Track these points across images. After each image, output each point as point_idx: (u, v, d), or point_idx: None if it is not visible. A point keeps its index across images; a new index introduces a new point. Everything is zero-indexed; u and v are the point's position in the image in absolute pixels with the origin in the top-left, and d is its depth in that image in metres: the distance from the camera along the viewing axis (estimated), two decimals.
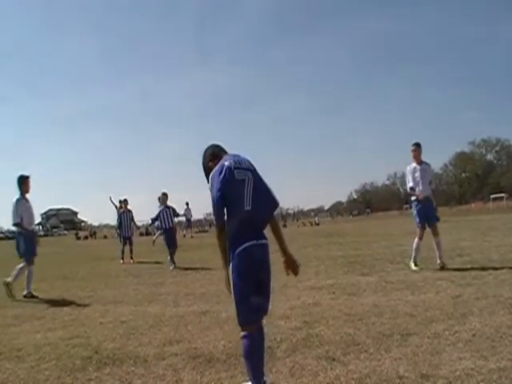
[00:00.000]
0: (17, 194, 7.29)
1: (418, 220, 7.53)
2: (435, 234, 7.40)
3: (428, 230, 7.49)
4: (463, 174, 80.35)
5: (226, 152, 3.02)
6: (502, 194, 55.20)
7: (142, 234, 34.57)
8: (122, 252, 12.86)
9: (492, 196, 55.95)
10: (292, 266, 2.89)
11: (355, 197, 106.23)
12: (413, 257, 7.56)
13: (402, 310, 4.69)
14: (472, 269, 6.97)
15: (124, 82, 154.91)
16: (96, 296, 6.98)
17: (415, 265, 7.45)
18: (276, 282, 7.00)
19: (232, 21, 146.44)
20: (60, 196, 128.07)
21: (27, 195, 7.41)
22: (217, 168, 2.80)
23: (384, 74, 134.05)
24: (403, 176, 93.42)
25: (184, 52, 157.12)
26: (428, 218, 7.47)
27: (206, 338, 4.19)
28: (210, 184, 2.82)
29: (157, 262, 11.76)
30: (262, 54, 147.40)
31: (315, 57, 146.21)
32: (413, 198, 7.63)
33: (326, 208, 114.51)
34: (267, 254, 2.83)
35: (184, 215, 20.82)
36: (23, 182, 7.31)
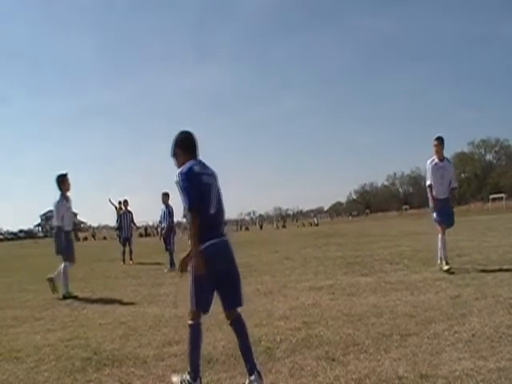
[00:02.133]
0: (57, 195, 7.25)
1: (437, 219, 7.30)
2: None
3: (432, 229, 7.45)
4: (462, 175, 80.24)
5: (196, 151, 3.20)
6: (501, 195, 55.30)
7: (141, 235, 34.52)
8: (123, 253, 12.82)
9: (491, 196, 56.04)
10: None
11: (354, 197, 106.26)
12: (441, 256, 7.15)
13: (402, 311, 4.70)
14: (471, 269, 6.98)
15: (123, 81, 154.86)
16: (95, 297, 6.98)
17: (446, 263, 7.00)
18: (275, 282, 7.07)
19: (232, 19, 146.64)
20: None
21: (68, 193, 7.38)
22: (186, 170, 3.00)
23: (384, 73, 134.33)
24: (402, 176, 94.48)
25: (184, 50, 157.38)
26: (445, 219, 7.27)
27: (206, 339, 4.15)
28: (179, 180, 2.98)
29: (156, 263, 11.76)
30: (262, 53, 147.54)
31: (315, 55, 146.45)
32: (430, 197, 7.42)
33: (326, 209, 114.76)
34: (230, 249, 3.11)
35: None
36: (62, 181, 7.23)
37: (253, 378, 2.96)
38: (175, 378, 3.15)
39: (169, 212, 10.97)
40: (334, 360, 3.41)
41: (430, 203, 7.43)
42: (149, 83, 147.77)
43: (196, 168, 3.03)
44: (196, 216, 2.94)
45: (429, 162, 7.40)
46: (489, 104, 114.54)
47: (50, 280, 7.16)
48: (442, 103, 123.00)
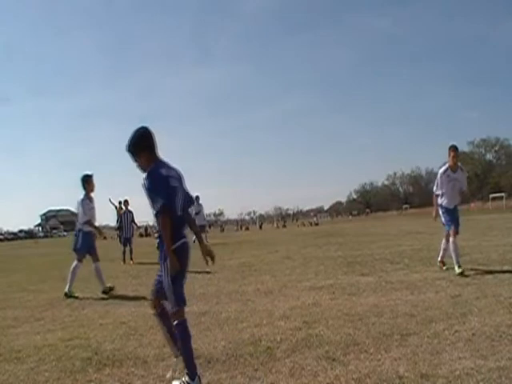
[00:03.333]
0: (81, 194, 7.35)
1: (447, 224, 7.19)
2: (448, 238, 7.18)
3: (444, 232, 7.33)
4: None
5: (157, 148, 3.22)
6: (502, 194, 55.29)
7: (141, 235, 34.50)
8: (123, 253, 12.84)
9: (491, 196, 56.00)
10: (209, 254, 3.40)
11: (355, 197, 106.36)
12: (455, 260, 6.85)
13: (402, 310, 4.70)
14: (471, 268, 6.97)
15: (124, 81, 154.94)
16: (96, 297, 6.98)
17: (459, 267, 6.75)
18: (276, 282, 7.07)
19: (233, 19, 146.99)
20: (59, 197, 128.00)
21: (92, 194, 7.48)
22: (154, 173, 3.09)
23: (385, 73, 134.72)
24: (403, 176, 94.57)
25: (185, 50, 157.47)
26: (455, 223, 7.17)
27: (206, 339, 4.19)
28: (147, 183, 3.07)
29: (156, 263, 11.74)
30: (262, 53, 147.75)
31: (316, 56, 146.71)
32: (435, 206, 7.45)
33: (326, 208, 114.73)
34: (188, 249, 3.30)
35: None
36: (87, 181, 7.32)
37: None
38: (168, 374, 3.25)
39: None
40: (334, 360, 3.41)
41: (434, 211, 7.46)
42: (150, 83, 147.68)
43: (163, 171, 3.11)
44: (167, 218, 3.03)
45: (441, 171, 7.27)
46: (488, 104, 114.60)
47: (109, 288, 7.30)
48: (443, 103, 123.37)
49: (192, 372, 3.05)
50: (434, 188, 7.38)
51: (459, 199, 7.36)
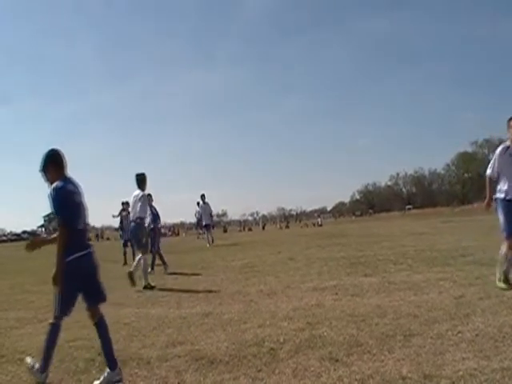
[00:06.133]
0: (137, 191, 7.95)
1: (504, 227, 5.76)
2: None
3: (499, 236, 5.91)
4: (466, 174, 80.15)
5: (65, 168, 3.52)
6: None
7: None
8: (124, 254, 12.90)
9: (494, 196, 55.74)
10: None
11: (358, 197, 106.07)
12: (501, 271, 5.63)
13: (405, 311, 4.69)
14: (475, 269, 6.95)
15: (124, 82, 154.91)
16: None
17: (505, 281, 5.49)
18: (279, 283, 7.06)
19: (232, 22, 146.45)
20: None
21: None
22: (61, 188, 3.34)
23: (385, 73, 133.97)
24: (406, 176, 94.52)
25: (184, 53, 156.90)
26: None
27: (209, 340, 4.19)
28: (54, 195, 3.33)
29: (158, 264, 11.76)
30: (261, 55, 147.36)
31: (315, 58, 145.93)
32: (488, 191, 5.82)
33: (329, 209, 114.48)
34: (94, 259, 3.54)
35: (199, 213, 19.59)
36: (143, 180, 7.94)
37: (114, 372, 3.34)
38: (29, 359, 3.45)
39: (152, 213, 11.10)
40: (337, 360, 3.41)
41: (486, 199, 5.87)
42: (149, 85, 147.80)
43: (69, 187, 3.41)
44: (66, 233, 3.29)
45: (500, 149, 5.55)
46: (490, 103, 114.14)
47: (130, 274, 7.58)
48: (445, 103, 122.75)
49: (45, 367, 3.32)
50: (489, 171, 5.69)
51: None
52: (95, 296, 3.58)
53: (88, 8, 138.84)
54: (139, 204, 7.85)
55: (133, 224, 8.09)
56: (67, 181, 3.45)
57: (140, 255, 7.90)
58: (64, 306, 3.43)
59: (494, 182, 5.72)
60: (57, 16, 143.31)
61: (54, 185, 3.36)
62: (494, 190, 5.73)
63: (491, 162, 5.72)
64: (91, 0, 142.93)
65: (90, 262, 3.51)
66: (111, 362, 3.37)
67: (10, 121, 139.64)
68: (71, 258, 3.32)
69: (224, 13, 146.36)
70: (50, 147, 3.57)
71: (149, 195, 11.60)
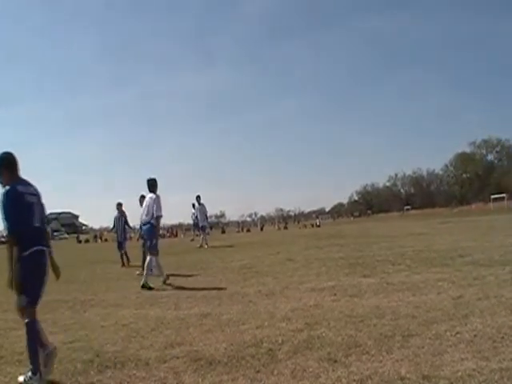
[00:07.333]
0: (151, 193, 8.31)
1: None
2: None
3: None
4: (464, 175, 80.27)
5: (18, 170, 3.62)
6: (503, 195, 55.12)
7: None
8: (121, 257, 12.91)
9: (493, 196, 55.87)
10: (55, 270, 3.79)
11: (356, 198, 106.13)
12: None
13: (404, 312, 4.69)
14: (473, 269, 6.96)
15: (124, 83, 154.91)
16: (97, 299, 6.98)
17: None
18: (277, 284, 7.06)
19: (232, 22, 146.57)
20: (61, 199, 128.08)
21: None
22: (11, 191, 3.46)
23: (385, 74, 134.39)
24: (404, 177, 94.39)
25: (184, 53, 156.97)
26: None
27: (208, 341, 4.19)
28: (3, 200, 3.42)
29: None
30: (262, 55, 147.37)
31: (316, 57, 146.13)
32: None
33: (327, 210, 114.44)
34: (47, 256, 3.66)
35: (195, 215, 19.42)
36: (154, 184, 8.38)
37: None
38: (21, 378, 3.45)
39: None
40: (336, 361, 3.41)
41: None
42: (150, 85, 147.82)
43: (20, 188, 3.52)
44: (14, 237, 3.42)
45: None
46: (489, 104, 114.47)
47: (143, 286, 7.70)
48: (444, 104, 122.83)
49: (36, 368, 3.36)
50: None
51: None
52: (39, 295, 3.65)
53: (88, 8, 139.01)
54: (154, 205, 8.11)
55: (148, 225, 8.24)
56: (20, 182, 3.56)
57: (149, 257, 8.11)
58: (33, 298, 3.54)
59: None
60: (57, 16, 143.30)
61: (4, 190, 3.47)
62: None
63: None
64: (91, 0, 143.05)
65: (46, 259, 3.63)
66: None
67: (11, 121, 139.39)
68: (29, 251, 3.45)
69: (223, 14, 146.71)
70: (2, 151, 3.67)
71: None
